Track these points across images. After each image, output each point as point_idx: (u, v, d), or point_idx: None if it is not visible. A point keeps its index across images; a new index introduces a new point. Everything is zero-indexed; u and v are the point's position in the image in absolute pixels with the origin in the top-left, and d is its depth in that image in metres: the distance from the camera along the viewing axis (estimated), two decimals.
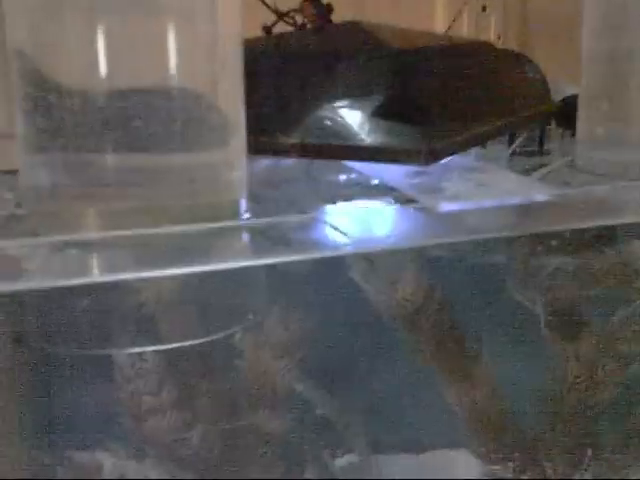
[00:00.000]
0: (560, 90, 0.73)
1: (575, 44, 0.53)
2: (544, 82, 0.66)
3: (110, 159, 0.35)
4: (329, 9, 0.55)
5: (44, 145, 0.36)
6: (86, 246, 0.32)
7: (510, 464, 0.51)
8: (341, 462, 0.57)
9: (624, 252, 0.43)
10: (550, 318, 0.47)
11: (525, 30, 0.97)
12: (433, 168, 0.40)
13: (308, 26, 0.54)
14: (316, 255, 0.32)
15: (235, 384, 0.48)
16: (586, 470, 0.51)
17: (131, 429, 0.42)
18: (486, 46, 0.59)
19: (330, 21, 0.55)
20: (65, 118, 0.35)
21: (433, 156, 0.40)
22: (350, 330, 0.52)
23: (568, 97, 0.69)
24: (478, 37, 0.93)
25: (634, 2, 0.48)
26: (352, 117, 0.43)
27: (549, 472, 0.52)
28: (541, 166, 0.53)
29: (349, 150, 0.42)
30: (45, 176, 0.36)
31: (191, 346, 0.41)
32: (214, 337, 0.41)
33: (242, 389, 0.48)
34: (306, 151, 0.44)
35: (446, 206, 0.32)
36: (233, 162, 0.39)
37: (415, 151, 0.40)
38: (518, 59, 0.65)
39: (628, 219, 0.36)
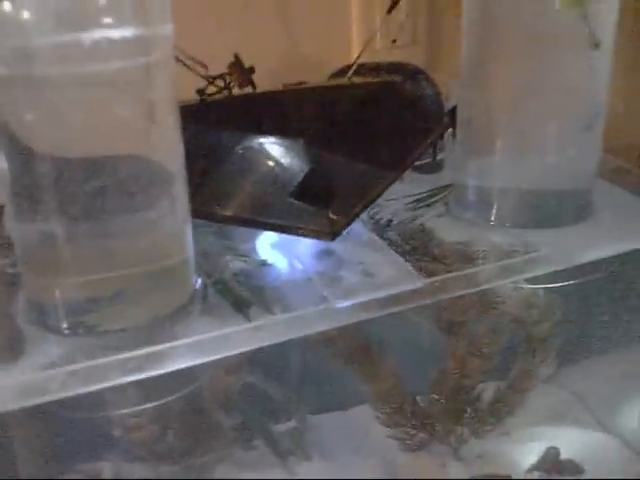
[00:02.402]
0: (454, 95, 0.83)
1: None
2: (438, 98, 0.76)
3: (70, 224, 0.40)
4: (251, 71, 0.65)
5: (23, 207, 0.41)
6: None
7: (409, 428, 0.68)
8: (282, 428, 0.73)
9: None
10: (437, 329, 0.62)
11: (433, 6, 1.05)
12: (337, 241, 0.52)
13: (235, 88, 0.64)
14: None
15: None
16: (465, 425, 0.69)
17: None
18: (386, 88, 0.68)
19: (253, 82, 0.65)
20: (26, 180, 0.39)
21: (336, 234, 0.53)
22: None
23: (455, 106, 0.79)
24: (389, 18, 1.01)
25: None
26: (273, 195, 0.54)
27: (438, 429, 0.69)
28: (430, 196, 0.65)
29: (272, 225, 0.54)
30: (29, 236, 0.42)
31: None
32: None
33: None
34: (238, 221, 0.56)
35: (340, 303, 0.46)
36: (180, 220, 0.45)
37: (321, 231, 0.53)
38: (414, 80, 0.74)
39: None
